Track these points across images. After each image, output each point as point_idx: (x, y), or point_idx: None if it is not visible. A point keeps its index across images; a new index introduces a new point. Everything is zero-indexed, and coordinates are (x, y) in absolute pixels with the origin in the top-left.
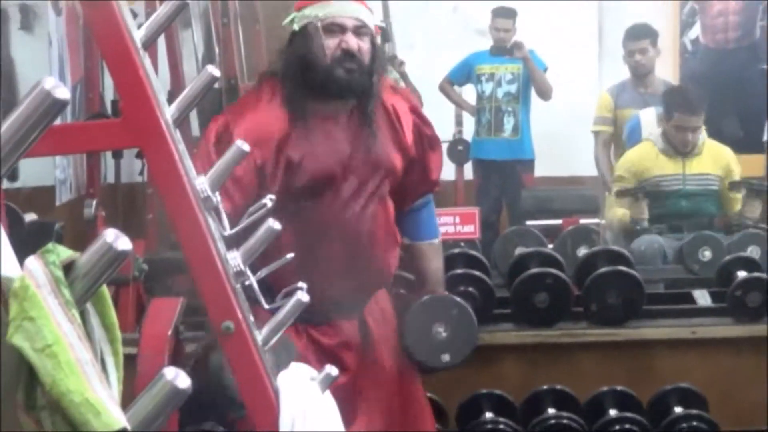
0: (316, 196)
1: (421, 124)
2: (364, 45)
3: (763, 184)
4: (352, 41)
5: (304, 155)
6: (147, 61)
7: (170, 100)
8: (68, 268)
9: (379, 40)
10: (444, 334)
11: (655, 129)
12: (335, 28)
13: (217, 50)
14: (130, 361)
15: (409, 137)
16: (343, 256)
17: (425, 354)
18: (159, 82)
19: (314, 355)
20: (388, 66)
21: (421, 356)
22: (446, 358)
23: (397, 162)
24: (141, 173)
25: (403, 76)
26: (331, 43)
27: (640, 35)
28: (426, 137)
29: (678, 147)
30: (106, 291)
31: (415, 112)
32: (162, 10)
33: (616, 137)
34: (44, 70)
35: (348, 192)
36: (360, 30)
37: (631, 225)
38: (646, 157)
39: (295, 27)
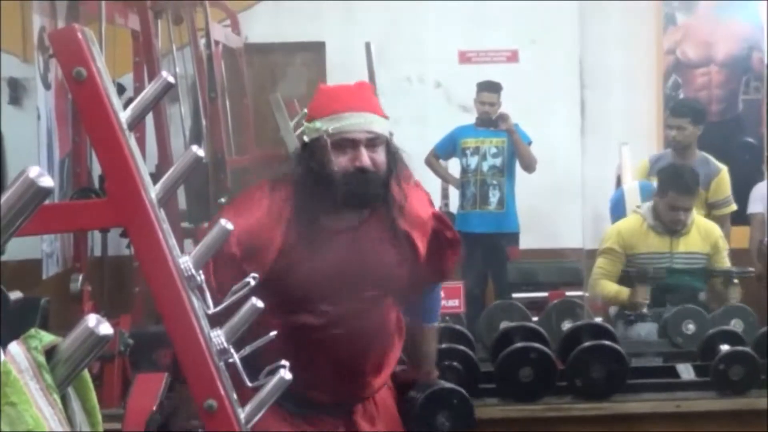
0: (309, 307)
1: (443, 228)
2: (378, 157)
3: (746, 270)
4: (364, 158)
5: (299, 266)
6: (132, 141)
7: (158, 175)
8: (50, 352)
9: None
10: (447, 424)
11: (638, 202)
12: (347, 144)
13: (204, 124)
14: None
15: (422, 243)
16: (333, 364)
17: None
18: (147, 156)
19: None
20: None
21: None
22: None
23: (402, 274)
24: (128, 247)
25: None
26: (342, 160)
27: (681, 113)
28: (445, 239)
29: (668, 225)
30: (87, 375)
31: (438, 217)
32: (149, 90)
33: None
34: (33, 144)
35: (344, 306)
36: (373, 142)
37: (629, 307)
38: (636, 232)
39: (306, 139)
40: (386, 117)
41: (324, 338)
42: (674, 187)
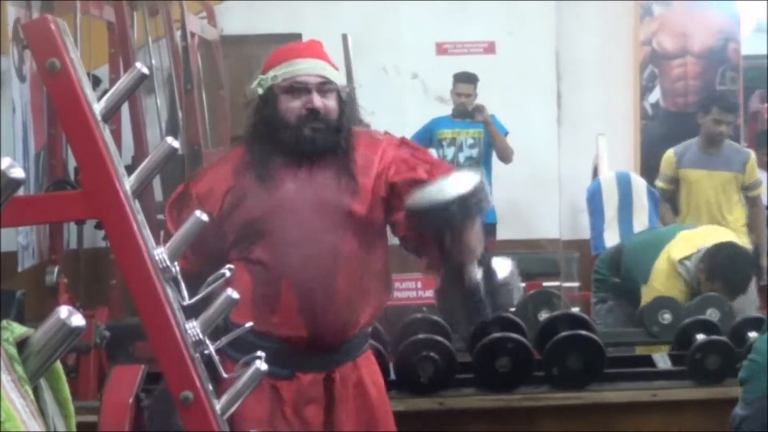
0: (263, 241)
1: (397, 144)
2: (330, 102)
3: None
4: (316, 100)
5: (247, 200)
6: (107, 133)
7: (134, 167)
8: (22, 344)
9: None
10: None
11: (615, 193)
12: (299, 88)
13: (180, 116)
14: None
15: (368, 176)
16: (298, 306)
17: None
18: (122, 148)
19: (278, 408)
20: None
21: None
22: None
23: (354, 205)
24: (104, 239)
25: None
26: (295, 104)
27: (730, 108)
28: (398, 147)
29: None
30: (59, 366)
31: (405, 142)
32: (123, 81)
33: (678, 196)
34: (8, 137)
35: (298, 237)
36: (325, 87)
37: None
38: None
39: (260, 91)
40: (336, 68)
41: (283, 276)
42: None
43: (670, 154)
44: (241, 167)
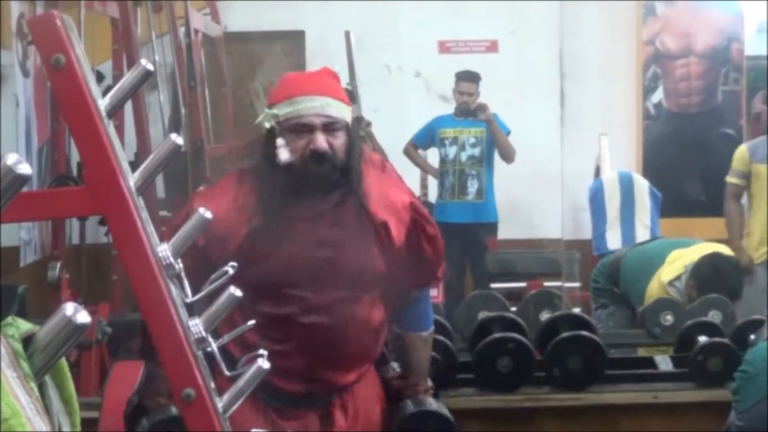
0: (276, 294)
1: (422, 220)
2: (337, 141)
3: None
4: (319, 141)
5: (265, 256)
6: (111, 129)
7: (137, 163)
8: (27, 340)
9: (355, 116)
10: None
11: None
12: (303, 128)
13: (183, 113)
14: (92, 425)
15: (398, 232)
16: (302, 354)
17: None
18: (125, 144)
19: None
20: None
21: None
22: None
23: (376, 262)
24: (106, 234)
25: (370, 136)
26: (299, 144)
27: None
28: (425, 234)
29: None
30: (65, 363)
31: (416, 209)
32: (128, 78)
33: (750, 192)
34: (11, 132)
35: (309, 294)
36: (330, 126)
37: None
38: None
39: (266, 125)
40: (348, 103)
41: (291, 327)
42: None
43: (743, 149)
44: (254, 212)
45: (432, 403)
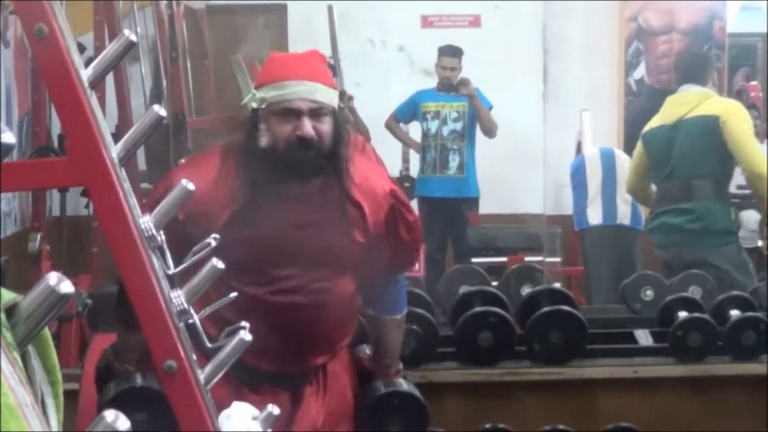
0: (254, 273)
1: (402, 208)
2: (323, 127)
3: None
4: (306, 127)
5: (245, 235)
6: (94, 100)
7: (118, 135)
8: (10, 310)
9: (341, 100)
10: (396, 426)
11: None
12: (290, 113)
13: (165, 85)
14: (71, 397)
15: (377, 218)
16: (277, 332)
17: None
18: (106, 116)
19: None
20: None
21: None
22: None
23: (351, 245)
24: (86, 206)
25: (352, 111)
26: (285, 129)
27: None
28: (404, 221)
29: None
30: (47, 333)
31: (396, 196)
32: (110, 49)
33: None
34: None
35: (290, 273)
36: (317, 111)
37: None
38: None
39: (253, 105)
40: (334, 87)
41: (267, 307)
42: None
43: None
44: (236, 191)
45: (403, 384)
